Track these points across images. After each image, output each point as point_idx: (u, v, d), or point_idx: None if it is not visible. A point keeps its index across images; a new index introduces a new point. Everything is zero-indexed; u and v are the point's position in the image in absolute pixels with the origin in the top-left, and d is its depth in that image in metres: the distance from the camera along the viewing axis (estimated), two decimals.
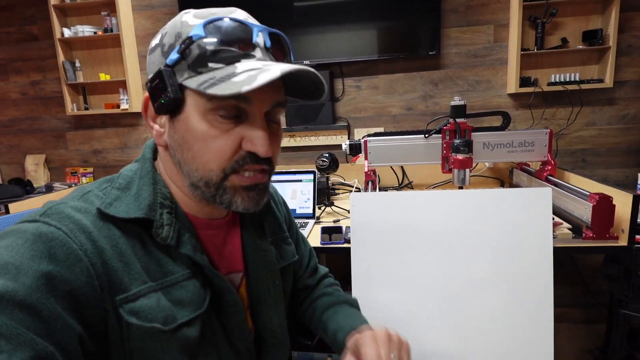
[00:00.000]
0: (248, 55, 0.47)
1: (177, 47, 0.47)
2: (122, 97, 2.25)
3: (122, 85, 2.24)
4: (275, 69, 0.44)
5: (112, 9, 2.14)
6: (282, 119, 2.17)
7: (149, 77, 0.50)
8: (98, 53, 2.31)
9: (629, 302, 1.16)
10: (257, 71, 0.44)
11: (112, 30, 2.18)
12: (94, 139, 2.43)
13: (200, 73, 0.46)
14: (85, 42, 2.28)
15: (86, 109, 2.33)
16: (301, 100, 0.57)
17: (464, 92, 2.02)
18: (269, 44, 0.49)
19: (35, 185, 2.34)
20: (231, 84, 0.44)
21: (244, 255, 0.62)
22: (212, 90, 0.44)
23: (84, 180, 2.43)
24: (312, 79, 0.50)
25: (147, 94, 0.51)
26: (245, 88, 0.42)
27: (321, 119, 2.10)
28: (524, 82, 1.91)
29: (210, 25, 0.46)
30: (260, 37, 0.49)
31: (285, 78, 0.49)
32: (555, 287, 1.06)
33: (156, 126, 0.52)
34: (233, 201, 0.50)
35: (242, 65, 0.46)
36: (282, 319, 0.63)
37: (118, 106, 2.27)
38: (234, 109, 0.47)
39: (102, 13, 2.18)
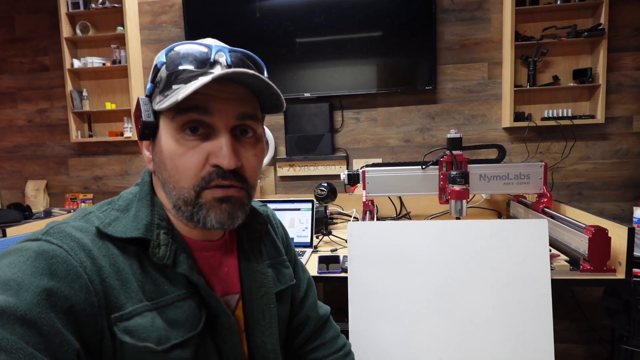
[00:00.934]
0: (206, 73, 0.49)
1: (151, 77, 0.53)
2: (126, 125, 2.30)
3: (127, 114, 2.29)
4: (208, 76, 0.46)
5: (121, 42, 2.23)
6: (282, 148, 2.21)
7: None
8: (105, 83, 2.38)
9: (630, 337, 1.14)
10: (199, 81, 0.46)
11: (120, 62, 2.26)
12: (96, 166, 2.46)
13: (166, 96, 0.50)
14: (94, 73, 2.36)
15: (90, 136, 2.37)
16: (270, 114, 0.59)
17: (460, 125, 2.08)
18: (230, 61, 0.51)
19: (34, 211, 2.35)
20: (175, 96, 0.47)
21: (240, 277, 0.62)
22: (162, 106, 0.49)
23: (82, 206, 2.43)
24: (267, 89, 0.51)
25: None
26: (181, 95, 0.45)
27: (320, 149, 2.14)
28: (518, 116, 1.97)
29: (171, 51, 0.51)
30: (221, 56, 0.51)
31: (254, 92, 0.53)
32: (555, 322, 1.05)
33: (147, 153, 0.55)
34: (207, 217, 0.51)
35: (198, 81, 0.47)
36: (275, 343, 0.62)
37: (122, 134, 2.31)
38: (198, 124, 0.49)
39: (112, 46, 2.27)
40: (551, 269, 1.13)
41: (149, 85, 0.53)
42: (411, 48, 2.03)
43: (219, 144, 0.49)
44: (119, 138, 2.30)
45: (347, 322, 1.14)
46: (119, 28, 2.22)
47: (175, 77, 0.49)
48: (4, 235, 1.54)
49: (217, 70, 0.50)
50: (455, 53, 2.05)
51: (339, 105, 2.17)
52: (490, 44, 2.02)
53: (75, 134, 2.32)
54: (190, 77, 0.49)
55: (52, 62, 2.41)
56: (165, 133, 0.51)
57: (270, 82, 0.51)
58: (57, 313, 0.41)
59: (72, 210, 2.35)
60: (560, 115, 1.95)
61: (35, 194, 2.47)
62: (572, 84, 1.94)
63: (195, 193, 0.50)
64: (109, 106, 2.30)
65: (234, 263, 0.62)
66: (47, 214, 2.25)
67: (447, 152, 1.50)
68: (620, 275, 1.13)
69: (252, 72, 0.48)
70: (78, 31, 2.26)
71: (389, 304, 1.13)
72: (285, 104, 0.56)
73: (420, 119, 2.12)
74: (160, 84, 0.51)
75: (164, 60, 0.51)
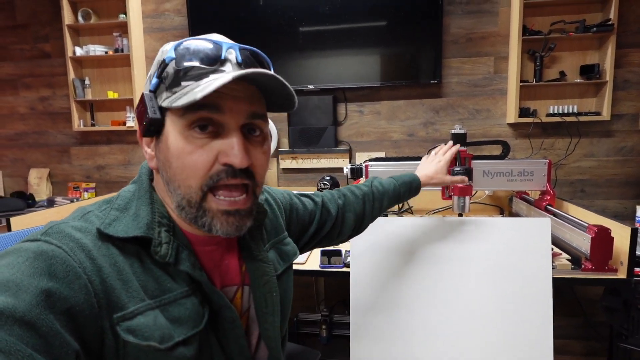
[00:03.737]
0: (217, 71, 0.49)
1: (156, 72, 0.50)
2: (128, 114, 2.29)
3: (130, 103, 2.28)
4: (228, 75, 0.45)
5: (124, 30, 2.21)
6: (284, 140, 2.20)
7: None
8: (108, 71, 2.36)
9: (629, 336, 1.15)
10: (215, 80, 0.45)
11: (122, 51, 2.24)
12: (98, 155, 2.45)
13: (175, 92, 0.48)
14: (96, 61, 2.34)
15: (93, 125, 2.37)
16: (280, 112, 0.58)
17: (465, 120, 2.06)
18: (240, 59, 0.50)
19: (37, 199, 2.35)
20: (191, 94, 0.46)
21: (241, 268, 0.62)
22: (175, 104, 0.47)
23: (85, 195, 2.44)
24: (282, 89, 0.51)
25: None
26: (200, 95, 0.44)
27: (323, 142, 2.13)
28: (523, 112, 1.95)
29: (180, 47, 0.49)
30: (231, 54, 0.50)
31: (262, 91, 0.52)
32: (554, 318, 1.06)
33: (148, 150, 0.54)
34: (212, 225, 0.50)
35: (210, 79, 0.47)
36: (276, 332, 0.63)
37: (124, 123, 2.30)
38: (208, 122, 0.48)
39: (114, 34, 2.25)
40: (553, 268, 1.13)
41: (154, 80, 0.51)
42: (416, 40, 2.00)
43: (230, 142, 0.48)
44: (122, 127, 2.30)
45: (348, 314, 1.15)
46: (122, 16, 2.20)
47: (185, 73, 0.48)
48: (8, 224, 1.55)
49: (228, 68, 0.49)
50: (461, 46, 2.03)
51: (342, 98, 2.15)
52: (497, 37, 2.00)
53: (78, 123, 2.31)
54: (200, 75, 0.48)
55: (54, 49, 2.39)
56: (173, 130, 0.49)
57: (286, 83, 0.50)
58: (56, 314, 0.41)
59: (75, 200, 2.35)
60: (566, 111, 1.93)
61: (38, 182, 2.47)
62: (578, 80, 1.92)
63: (202, 193, 0.49)
64: (111, 95, 2.29)
65: (235, 254, 0.62)
66: (50, 202, 2.25)
67: None
68: (622, 275, 1.14)
69: (270, 73, 0.48)
70: (80, 18, 2.24)
71: (390, 299, 1.14)
72: (297, 104, 0.55)
73: (424, 113, 2.10)
74: (167, 80, 0.50)
75: (173, 55, 0.49)
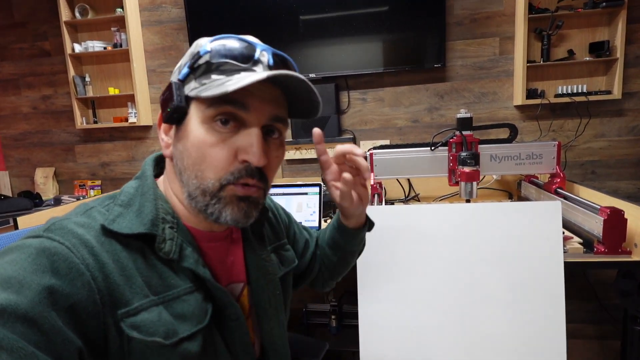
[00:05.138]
0: (249, 70, 0.50)
1: (188, 63, 0.51)
2: (130, 110, 2.28)
3: (131, 99, 2.27)
4: (263, 73, 0.46)
5: (121, 24, 2.19)
6: (287, 131, 2.18)
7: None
8: (107, 67, 2.35)
9: None
10: (248, 76, 0.47)
11: (121, 46, 2.22)
12: (102, 152, 2.46)
13: (204, 84, 0.49)
14: (95, 57, 2.32)
15: (95, 122, 2.36)
16: (301, 119, 0.59)
17: (470, 104, 2.02)
18: (272, 62, 0.51)
19: (44, 198, 2.37)
20: (222, 87, 0.47)
21: (246, 266, 0.62)
22: (204, 93, 0.48)
23: (92, 192, 2.45)
24: (309, 95, 0.52)
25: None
26: (232, 87, 0.45)
27: (327, 131, 2.10)
28: (531, 94, 1.90)
29: (216, 42, 0.51)
30: (263, 56, 0.51)
31: (286, 96, 0.53)
32: (567, 302, 1.04)
33: (166, 137, 0.55)
34: (222, 212, 0.51)
35: (241, 76, 0.48)
36: (282, 329, 0.64)
37: (126, 119, 2.30)
38: (232, 117, 0.49)
39: (112, 29, 2.22)
40: (564, 252, 1.11)
41: (185, 70, 0.51)
42: (419, 24, 1.95)
43: (250, 140, 0.49)
44: (124, 124, 2.29)
45: (356, 304, 1.15)
46: (118, 10, 2.17)
47: (217, 67, 0.50)
48: (15, 223, 1.56)
49: (259, 69, 0.50)
50: (465, 28, 1.97)
51: (345, 86, 2.11)
52: (502, 17, 1.94)
53: (80, 121, 2.31)
54: (233, 71, 0.49)
55: (53, 47, 2.38)
56: (195, 120, 0.50)
57: (315, 90, 0.51)
58: (58, 311, 0.41)
59: (81, 197, 2.36)
60: (575, 91, 1.88)
61: (45, 182, 2.49)
62: (588, 58, 1.86)
63: (220, 185, 0.50)
64: (112, 91, 2.28)
65: (239, 252, 0.62)
66: (57, 201, 2.27)
67: (457, 132, 1.46)
68: (636, 257, 1.11)
69: (303, 77, 0.49)
70: (77, 14, 2.22)
71: (399, 289, 1.12)
72: (321, 111, 0.55)
73: (428, 98, 2.06)
74: (198, 71, 0.51)
75: (209, 49, 0.50)
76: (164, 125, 0.55)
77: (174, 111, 0.50)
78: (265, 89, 0.51)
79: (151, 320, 0.47)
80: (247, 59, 0.50)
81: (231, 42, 0.51)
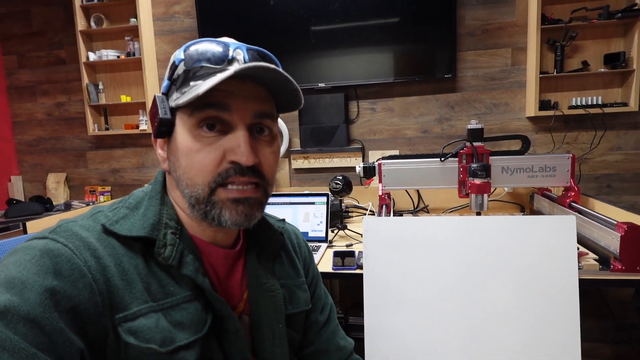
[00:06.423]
0: (224, 70, 0.49)
1: (168, 75, 0.52)
2: (141, 118, 2.30)
3: (142, 106, 2.30)
4: (230, 70, 0.46)
5: (135, 34, 2.23)
6: (296, 140, 2.17)
7: None
8: (120, 76, 2.38)
9: None
10: (218, 76, 0.46)
11: (134, 54, 2.25)
12: (113, 159, 2.48)
13: (184, 92, 0.49)
14: (109, 66, 2.36)
15: (107, 129, 2.39)
16: (289, 111, 0.58)
17: (481, 115, 1.99)
18: (247, 58, 0.51)
19: (54, 203, 2.39)
20: (194, 90, 0.47)
21: (248, 293, 0.60)
22: (180, 101, 0.48)
23: (101, 198, 2.47)
24: (286, 84, 0.51)
25: None
26: (202, 89, 0.45)
27: (335, 140, 2.09)
28: (544, 105, 1.87)
29: (188, 49, 0.51)
30: (238, 54, 0.51)
31: (270, 91, 0.53)
32: (582, 320, 1.00)
33: (161, 152, 0.55)
34: (221, 215, 0.50)
35: (216, 77, 0.47)
36: (285, 355, 0.60)
37: (137, 127, 2.32)
38: (216, 121, 0.49)
39: (126, 38, 2.26)
40: (579, 269, 1.07)
41: (165, 82, 0.52)
42: (430, 34, 1.94)
43: (236, 140, 0.49)
44: (135, 131, 2.31)
45: (362, 317, 1.12)
46: (132, 20, 2.21)
47: (193, 73, 0.49)
48: (24, 228, 1.58)
49: (235, 67, 0.49)
50: (476, 38, 1.96)
51: (354, 95, 2.11)
52: (514, 28, 1.92)
53: (92, 127, 2.34)
54: (208, 74, 0.49)
55: (68, 55, 2.43)
56: (182, 130, 0.50)
57: (290, 77, 0.50)
58: (60, 312, 0.41)
59: (91, 203, 2.38)
60: (590, 103, 1.84)
61: (56, 187, 2.52)
62: (603, 70, 1.82)
63: (209, 190, 0.49)
64: (125, 99, 2.31)
65: (240, 276, 0.59)
66: (67, 206, 2.29)
67: (468, 143, 1.43)
68: None
69: (272, 66, 0.48)
70: (92, 24, 2.27)
71: (406, 301, 1.09)
72: (303, 101, 0.55)
73: (438, 108, 2.04)
74: (177, 81, 0.51)
75: (182, 57, 0.50)
76: (159, 141, 0.55)
77: (160, 124, 0.50)
78: (246, 87, 0.50)
79: (148, 327, 0.46)
80: (221, 60, 0.50)
81: (203, 46, 0.50)
